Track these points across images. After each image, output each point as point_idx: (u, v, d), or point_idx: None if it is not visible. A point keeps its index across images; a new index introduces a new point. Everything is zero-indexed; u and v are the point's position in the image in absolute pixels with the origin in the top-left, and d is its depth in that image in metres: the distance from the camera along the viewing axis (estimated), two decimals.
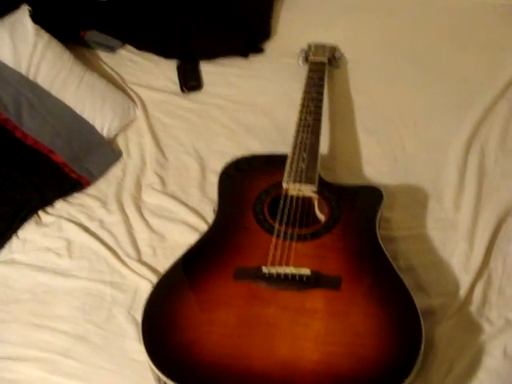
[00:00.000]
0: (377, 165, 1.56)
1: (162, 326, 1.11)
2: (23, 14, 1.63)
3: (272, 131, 1.64)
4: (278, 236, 1.23)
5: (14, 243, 1.41)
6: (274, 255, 1.19)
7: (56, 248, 1.40)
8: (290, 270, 1.16)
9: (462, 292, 1.30)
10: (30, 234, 1.42)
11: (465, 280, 1.32)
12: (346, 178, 1.51)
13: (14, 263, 1.37)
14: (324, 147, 1.58)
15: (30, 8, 1.64)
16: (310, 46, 1.77)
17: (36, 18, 1.64)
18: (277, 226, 1.26)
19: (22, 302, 1.31)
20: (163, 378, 1.03)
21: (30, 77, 1.56)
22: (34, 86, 1.55)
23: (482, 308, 1.28)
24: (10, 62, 1.56)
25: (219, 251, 1.23)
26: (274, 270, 1.16)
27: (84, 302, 1.31)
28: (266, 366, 1.04)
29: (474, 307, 1.28)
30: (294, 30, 1.89)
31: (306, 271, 1.16)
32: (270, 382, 1.02)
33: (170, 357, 1.06)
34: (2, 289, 1.33)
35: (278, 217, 1.27)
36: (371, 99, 1.71)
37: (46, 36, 1.62)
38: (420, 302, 1.26)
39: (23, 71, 1.56)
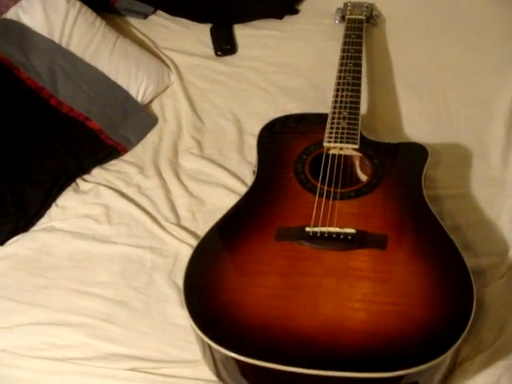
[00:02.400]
0: (419, 122, 1.51)
1: (204, 289, 1.08)
2: None
3: (309, 92, 1.59)
4: (320, 195, 1.20)
5: (54, 211, 1.40)
6: (317, 215, 1.16)
7: (95, 215, 1.38)
8: (334, 229, 1.13)
9: None
10: (68, 202, 1.41)
11: None
12: (387, 137, 1.46)
13: (54, 230, 1.37)
14: (364, 106, 1.53)
15: None
16: (346, 5, 1.71)
17: None
18: (319, 185, 1.22)
19: (62, 268, 1.31)
20: (207, 340, 1.01)
21: (63, 45, 1.55)
22: (67, 54, 1.54)
23: None
24: (42, 31, 1.54)
25: (260, 212, 1.20)
26: (317, 230, 1.13)
27: (124, 267, 1.30)
28: (311, 326, 1.01)
29: None
30: None
31: (350, 230, 1.12)
32: (317, 343, 0.99)
33: (213, 320, 1.04)
34: (43, 256, 1.33)
35: (320, 176, 1.24)
36: (411, 57, 1.65)
37: (77, 4, 1.60)
38: (468, 261, 1.20)
39: (56, 40, 1.54)
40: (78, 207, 1.40)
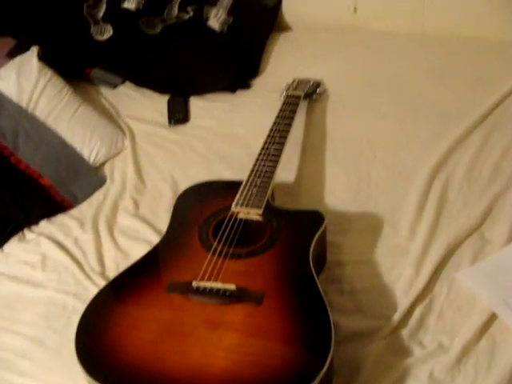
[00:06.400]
0: (339, 193, 1.62)
1: (95, 329, 1.21)
2: (31, 54, 1.84)
3: (245, 159, 1.71)
4: (213, 253, 1.32)
5: None
6: (205, 271, 1.28)
7: (32, 262, 1.54)
8: (216, 284, 1.24)
9: (398, 315, 1.31)
10: (12, 249, 1.58)
11: (403, 303, 1.34)
12: (308, 204, 1.57)
13: None
14: (291, 175, 1.67)
15: (39, 48, 1.84)
16: (293, 81, 1.86)
17: (47, 57, 1.85)
18: (215, 244, 1.34)
19: None
20: (86, 376, 1.13)
21: (30, 109, 1.76)
22: (31, 118, 1.75)
23: (416, 332, 1.29)
24: (13, 95, 1.76)
25: (159, 265, 1.34)
26: (202, 284, 1.24)
27: (48, 309, 1.43)
28: (177, 370, 1.11)
29: (407, 330, 1.29)
30: (283, 66, 2.00)
31: (231, 286, 1.23)
32: None
33: (94, 356, 1.16)
34: None
35: (219, 236, 1.36)
36: (345, 131, 1.77)
37: (48, 73, 1.82)
38: (355, 323, 1.32)
39: (24, 104, 1.76)
40: (19, 254, 1.56)
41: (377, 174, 1.65)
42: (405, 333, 1.30)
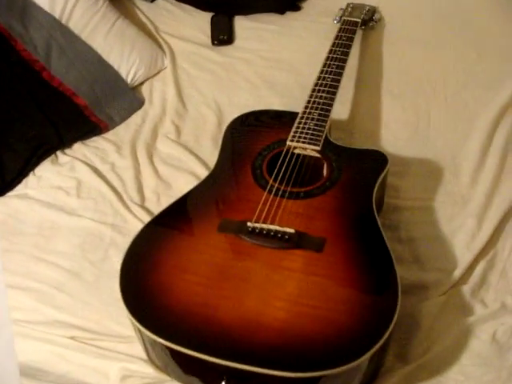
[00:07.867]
0: (396, 131, 1.52)
1: (140, 268, 1.13)
2: None
3: (295, 89, 1.61)
4: (269, 192, 1.22)
5: (30, 179, 1.46)
6: (261, 211, 1.18)
7: (66, 187, 1.44)
8: (274, 227, 1.15)
9: (460, 270, 1.25)
10: (45, 172, 1.47)
11: (465, 258, 1.27)
12: (361, 142, 1.47)
13: (26, 198, 1.43)
14: (345, 109, 1.56)
15: None
16: (348, 6, 1.71)
17: None
18: (271, 181, 1.24)
19: (27, 234, 1.37)
20: (130, 317, 1.05)
21: (63, 21, 1.60)
22: (65, 30, 1.59)
23: (478, 289, 1.24)
24: (45, 5, 1.59)
25: (209, 202, 1.24)
26: (258, 226, 1.15)
27: (84, 240, 1.35)
28: (230, 318, 1.04)
29: (469, 287, 1.24)
30: None
31: (289, 230, 1.14)
32: (231, 335, 1.02)
33: (140, 299, 1.08)
34: (12, 221, 1.39)
35: (275, 173, 1.26)
36: (403, 64, 1.65)
37: None
38: (413, 275, 1.26)
39: (57, 15, 1.59)
40: (52, 178, 1.46)
41: (436, 113, 1.55)
42: (466, 289, 1.24)
